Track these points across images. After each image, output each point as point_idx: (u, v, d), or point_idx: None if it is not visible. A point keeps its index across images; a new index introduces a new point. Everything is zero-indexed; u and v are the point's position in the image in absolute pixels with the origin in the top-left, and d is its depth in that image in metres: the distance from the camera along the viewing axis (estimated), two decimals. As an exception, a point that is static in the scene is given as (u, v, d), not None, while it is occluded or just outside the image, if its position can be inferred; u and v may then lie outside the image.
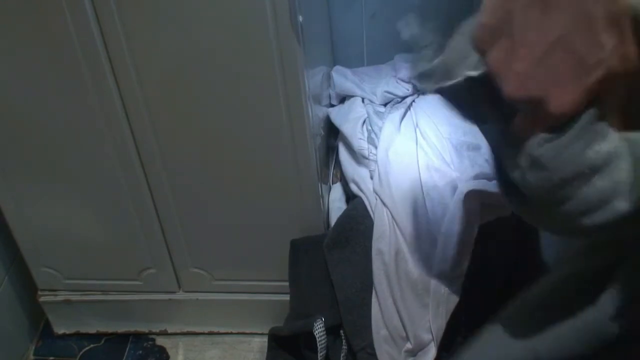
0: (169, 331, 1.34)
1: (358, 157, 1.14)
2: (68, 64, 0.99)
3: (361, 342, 1.02)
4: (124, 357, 1.31)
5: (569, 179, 0.50)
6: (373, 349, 1.01)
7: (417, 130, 1.14)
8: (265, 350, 1.15)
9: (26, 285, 1.31)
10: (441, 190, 1.03)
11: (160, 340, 1.34)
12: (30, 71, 1.00)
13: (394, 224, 1.03)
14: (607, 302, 0.58)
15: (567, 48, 0.45)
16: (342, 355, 1.05)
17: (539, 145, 0.50)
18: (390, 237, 1.03)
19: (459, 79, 0.54)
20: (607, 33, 0.45)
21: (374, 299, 1.03)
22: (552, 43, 0.46)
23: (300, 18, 0.92)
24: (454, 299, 1.01)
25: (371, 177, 1.10)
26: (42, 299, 1.31)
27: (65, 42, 0.96)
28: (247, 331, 1.32)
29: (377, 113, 1.19)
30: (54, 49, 0.97)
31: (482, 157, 1.06)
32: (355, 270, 1.04)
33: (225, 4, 0.91)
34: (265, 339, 1.15)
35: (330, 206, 1.18)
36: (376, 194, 1.07)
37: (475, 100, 0.55)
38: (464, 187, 0.99)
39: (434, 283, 1.01)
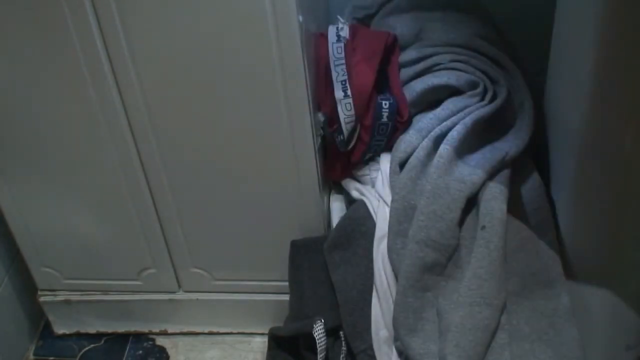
0: (169, 331, 1.34)
1: (359, 178, 1.15)
2: (68, 64, 0.99)
3: (361, 345, 1.02)
4: (124, 357, 1.31)
5: None
6: (373, 351, 1.01)
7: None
8: (265, 350, 1.15)
9: (26, 285, 1.31)
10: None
11: (160, 340, 1.34)
12: (30, 71, 1.00)
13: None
14: None
15: None
16: (341, 356, 1.04)
17: None
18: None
19: None
20: None
21: (374, 300, 1.02)
22: None
23: (300, 18, 0.92)
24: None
25: (373, 186, 1.10)
26: (42, 299, 1.31)
27: (65, 42, 0.96)
28: (247, 331, 1.32)
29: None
30: (54, 49, 0.97)
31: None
32: (356, 272, 1.04)
33: (225, 4, 0.91)
34: (265, 339, 1.15)
35: (331, 206, 1.18)
36: (379, 195, 1.07)
37: None
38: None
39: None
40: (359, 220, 1.06)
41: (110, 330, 1.35)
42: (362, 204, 1.08)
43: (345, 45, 1.07)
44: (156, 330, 1.34)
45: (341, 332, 1.06)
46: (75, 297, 1.30)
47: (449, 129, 1.03)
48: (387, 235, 1.02)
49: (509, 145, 1.04)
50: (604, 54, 0.80)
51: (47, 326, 1.36)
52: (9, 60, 1.00)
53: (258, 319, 1.29)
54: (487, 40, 1.12)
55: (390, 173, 1.06)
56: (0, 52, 0.99)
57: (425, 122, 1.06)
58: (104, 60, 0.98)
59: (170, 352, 1.32)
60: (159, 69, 0.99)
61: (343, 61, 1.06)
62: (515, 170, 1.04)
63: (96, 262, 1.25)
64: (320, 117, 1.08)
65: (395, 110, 1.08)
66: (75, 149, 1.09)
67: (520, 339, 0.97)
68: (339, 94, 1.06)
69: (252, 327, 1.31)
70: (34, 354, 1.34)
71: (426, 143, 1.03)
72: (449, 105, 1.06)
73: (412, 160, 1.03)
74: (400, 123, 1.09)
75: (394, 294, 1.00)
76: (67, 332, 1.36)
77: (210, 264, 1.23)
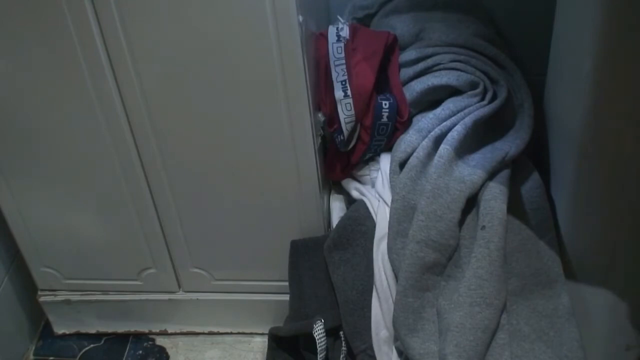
0: (169, 331, 1.34)
1: (359, 178, 1.15)
2: (68, 63, 0.99)
3: (361, 345, 1.02)
4: (124, 357, 1.31)
5: None
6: (373, 351, 1.01)
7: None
8: (265, 350, 1.15)
9: (26, 285, 1.31)
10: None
11: (160, 340, 1.34)
12: (30, 71, 1.00)
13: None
14: None
15: None
16: (341, 356, 1.05)
17: None
18: (390, 237, 1.03)
19: None
20: None
21: (374, 300, 1.02)
22: None
23: (300, 18, 0.92)
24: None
25: (373, 186, 1.11)
26: (42, 299, 1.31)
27: (65, 42, 0.96)
28: (247, 331, 1.32)
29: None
30: (54, 48, 0.97)
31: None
32: (356, 272, 1.04)
33: (225, 4, 0.91)
34: (265, 339, 1.15)
35: (331, 206, 1.18)
36: (379, 195, 1.07)
37: None
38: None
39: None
40: (359, 220, 1.06)
41: (110, 330, 1.35)
42: (362, 204, 1.08)
43: (345, 45, 1.07)
44: (156, 330, 1.34)
45: (341, 332, 1.06)
46: (75, 297, 1.30)
47: (449, 129, 1.03)
48: (387, 235, 1.02)
49: (509, 145, 1.04)
50: (604, 54, 0.80)
51: (47, 326, 1.36)
52: (8, 61, 1.00)
53: (258, 319, 1.29)
54: (487, 40, 1.12)
55: (390, 173, 1.06)
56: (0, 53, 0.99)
57: (426, 122, 1.06)
58: (104, 60, 0.98)
59: (170, 352, 1.32)
60: (159, 69, 0.99)
61: (343, 61, 1.06)
62: (515, 170, 1.04)
63: (96, 262, 1.25)
64: (320, 117, 1.08)
65: (395, 110, 1.08)
66: (75, 149, 1.09)
67: (520, 339, 0.97)
68: (339, 94, 1.06)
69: (252, 327, 1.31)
70: (34, 354, 1.34)
71: (426, 143, 1.03)
72: (449, 105, 1.06)
73: (412, 160, 1.03)
74: (400, 123, 1.09)
75: (394, 294, 1.00)
76: (67, 332, 1.36)
77: (210, 264, 1.23)
